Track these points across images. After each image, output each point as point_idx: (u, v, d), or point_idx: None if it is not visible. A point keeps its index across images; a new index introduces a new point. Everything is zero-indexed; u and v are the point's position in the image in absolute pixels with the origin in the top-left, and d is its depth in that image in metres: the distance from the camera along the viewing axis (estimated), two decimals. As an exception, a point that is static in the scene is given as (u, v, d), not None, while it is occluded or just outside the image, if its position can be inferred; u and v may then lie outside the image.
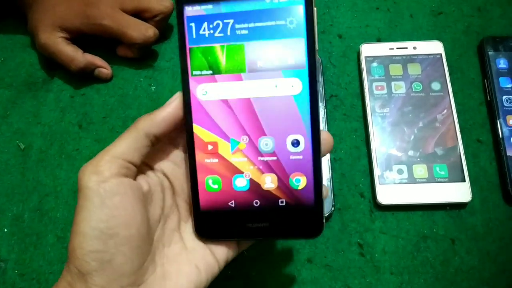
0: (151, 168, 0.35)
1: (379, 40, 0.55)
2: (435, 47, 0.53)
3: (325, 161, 0.48)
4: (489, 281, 0.44)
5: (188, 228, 0.35)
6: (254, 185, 0.33)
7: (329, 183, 0.47)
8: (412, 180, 0.47)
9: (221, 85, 0.33)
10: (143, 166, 0.34)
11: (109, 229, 0.29)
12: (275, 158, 0.33)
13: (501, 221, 0.47)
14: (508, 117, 0.49)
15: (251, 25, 0.32)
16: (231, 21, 0.32)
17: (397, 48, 0.53)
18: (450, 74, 0.51)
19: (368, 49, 0.53)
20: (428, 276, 0.45)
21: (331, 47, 0.55)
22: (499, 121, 0.49)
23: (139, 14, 0.53)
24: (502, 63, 0.52)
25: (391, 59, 0.52)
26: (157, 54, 0.55)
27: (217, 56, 0.32)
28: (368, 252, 0.46)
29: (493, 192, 0.48)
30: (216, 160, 0.34)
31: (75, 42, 0.52)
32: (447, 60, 0.52)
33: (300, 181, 0.33)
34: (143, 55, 0.54)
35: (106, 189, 0.30)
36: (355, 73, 0.53)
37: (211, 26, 0.32)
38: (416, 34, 0.55)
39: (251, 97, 0.32)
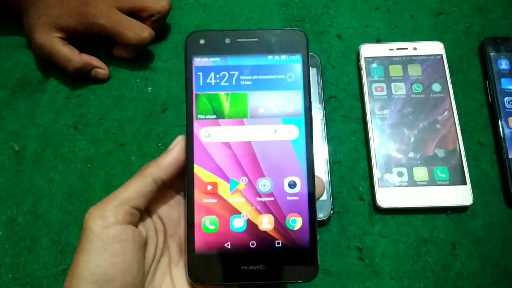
0: (147, 211, 0.35)
1: (378, 40, 0.54)
2: (435, 47, 0.52)
3: (324, 163, 0.47)
4: (491, 286, 0.43)
5: (179, 271, 0.35)
6: (251, 226, 0.34)
7: (328, 186, 0.46)
8: (412, 183, 0.46)
9: (224, 129, 0.35)
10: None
11: (106, 275, 0.30)
12: (272, 198, 0.34)
13: (502, 225, 0.46)
14: (510, 119, 0.49)
15: (255, 77, 0.35)
16: (236, 72, 0.35)
17: (397, 49, 0.52)
18: (451, 75, 0.51)
19: (367, 50, 0.52)
20: (429, 281, 0.44)
21: (330, 47, 0.54)
22: (501, 123, 0.48)
23: (135, 13, 0.52)
24: (503, 64, 0.51)
25: (391, 60, 0.51)
26: (153, 54, 0.55)
27: (222, 103, 0.35)
28: (368, 256, 0.45)
29: (495, 195, 0.47)
30: (214, 200, 0.34)
31: (72, 42, 0.52)
32: (447, 61, 0.51)
33: (296, 222, 0.34)
34: (139, 56, 0.54)
35: (109, 235, 0.30)
36: (354, 74, 0.53)
37: (217, 76, 0.35)
38: (416, 35, 0.54)
39: (252, 141, 0.35)
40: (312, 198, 0.34)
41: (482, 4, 0.56)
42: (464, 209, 0.46)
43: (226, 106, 0.35)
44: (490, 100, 0.50)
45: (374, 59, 0.52)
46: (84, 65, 0.52)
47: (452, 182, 0.46)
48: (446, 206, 0.46)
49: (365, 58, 0.52)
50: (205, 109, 0.35)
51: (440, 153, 0.47)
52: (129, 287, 0.31)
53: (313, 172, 0.34)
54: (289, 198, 0.34)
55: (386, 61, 0.51)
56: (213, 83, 0.35)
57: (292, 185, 0.34)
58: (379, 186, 0.46)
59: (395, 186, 0.46)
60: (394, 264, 0.45)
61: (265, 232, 0.34)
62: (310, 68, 0.38)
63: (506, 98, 0.49)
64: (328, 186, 0.46)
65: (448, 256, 0.45)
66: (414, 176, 0.47)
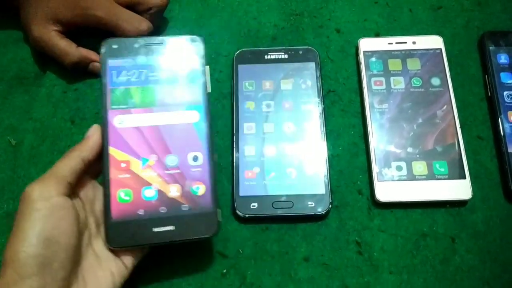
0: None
1: (377, 34, 0.54)
2: (435, 42, 0.52)
3: (323, 157, 0.47)
4: (490, 280, 0.43)
5: (99, 241, 0.40)
6: (161, 195, 0.40)
7: (326, 180, 0.46)
8: (411, 177, 0.46)
9: (135, 116, 0.42)
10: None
11: (52, 237, 0.34)
12: (179, 171, 0.41)
13: (502, 219, 0.46)
14: (509, 113, 0.48)
15: (161, 73, 0.43)
16: (145, 70, 0.43)
17: (396, 43, 0.52)
18: (450, 69, 0.50)
19: (366, 44, 0.52)
20: (428, 275, 0.44)
21: (328, 41, 0.54)
22: (500, 117, 0.48)
23: (133, 6, 0.52)
24: (503, 58, 0.51)
25: (390, 54, 0.51)
26: (151, 48, 0.54)
27: (133, 95, 0.42)
28: (366, 251, 0.45)
29: (494, 189, 0.47)
30: (128, 175, 0.40)
31: (69, 36, 0.51)
32: (447, 55, 0.51)
33: (199, 189, 0.41)
34: (137, 50, 0.53)
35: (53, 203, 0.35)
36: (353, 68, 0.52)
37: (129, 73, 0.43)
38: (416, 29, 0.54)
39: (159, 125, 0.42)
40: (212, 169, 0.41)
41: (482, -2, 0.55)
42: (463, 203, 0.46)
43: (137, 97, 0.42)
44: (490, 94, 0.50)
45: (373, 53, 0.51)
46: (82, 59, 0.51)
47: (451, 176, 0.46)
48: (445, 200, 0.45)
49: (364, 52, 0.51)
50: (118, 100, 0.42)
51: (439, 147, 0.47)
52: (70, 248, 0.35)
53: (212, 148, 0.42)
54: (193, 169, 0.41)
55: (385, 55, 0.51)
56: (125, 80, 0.42)
57: (195, 159, 0.41)
58: (378, 180, 0.46)
59: (394, 180, 0.46)
60: (393, 258, 0.44)
61: (173, 198, 0.40)
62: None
63: (505, 92, 0.49)
64: (327, 180, 0.46)
65: (447, 250, 0.44)
66: (413, 170, 0.46)
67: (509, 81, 0.50)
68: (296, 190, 0.46)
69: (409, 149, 0.47)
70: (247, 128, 0.49)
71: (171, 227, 0.40)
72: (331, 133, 0.49)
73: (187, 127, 0.42)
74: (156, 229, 0.39)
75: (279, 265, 0.44)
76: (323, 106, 0.49)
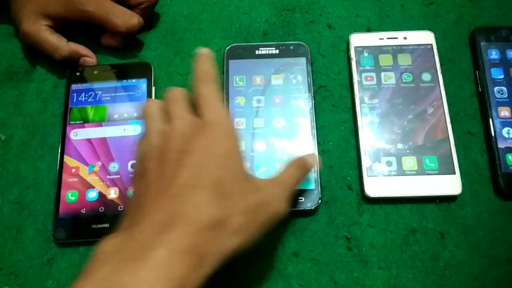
0: None
1: (369, 30, 0.54)
2: (426, 37, 0.52)
3: (313, 153, 0.47)
4: (479, 275, 0.43)
5: None
6: (102, 196, 0.46)
7: (316, 176, 0.46)
8: (401, 172, 0.46)
9: (87, 130, 0.49)
10: None
11: None
12: (119, 176, 0.47)
13: (491, 215, 0.46)
14: (499, 108, 0.48)
15: (113, 94, 0.50)
16: (100, 92, 0.50)
17: (387, 38, 0.52)
18: (441, 64, 0.50)
19: (357, 39, 0.52)
20: (417, 271, 0.44)
21: (320, 37, 0.54)
22: (491, 113, 0.48)
23: (124, 1, 0.52)
24: (494, 54, 0.51)
25: (381, 49, 0.51)
26: (142, 43, 0.54)
27: (88, 112, 0.50)
28: (356, 246, 0.45)
29: (484, 185, 0.47)
30: (76, 179, 0.47)
31: (59, 30, 0.51)
32: (438, 51, 0.51)
33: None
34: (127, 44, 0.53)
35: None
36: (344, 63, 0.52)
37: (86, 95, 0.51)
38: (407, 24, 0.54)
39: (107, 137, 0.49)
40: None
41: (473, -6, 0.55)
42: (453, 199, 0.46)
43: (91, 114, 0.50)
44: (480, 90, 0.50)
45: (364, 48, 0.51)
46: (72, 54, 0.51)
47: (441, 172, 0.46)
48: (435, 195, 0.45)
49: (355, 47, 0.51)
50: (76, 117, 0.50)
51: (430, 142, 0.47)
52: None
53: None
54: (131, 175, 0.47)
55: (376, 51, 0.51)
56: (82, 100, 0.50)
57: (133, 166, 0.47)
58: (367, 176, 0.46)
59: (384, 175, 0.46)
60: (382, 253, 0.44)
61: (111, 200, 0.46)
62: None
63: (496, 88, 0.49)
64: (316, 175, 0.46)
65: (436, 245, 0.44)
66: (403, 165, 0.46)
67: (499, 77, 0.49)
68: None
69: (399, 145, 0.47)
70: (237, 123, 0.49)
71: (106, 225, 0.45)
72: (322, 128, 0.49)
73: (129, 139, 0.49)
74: (94, 226, 0.45)
75: (268, 260, 0.44)
76: (313, 101, 0.49)
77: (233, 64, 0.51)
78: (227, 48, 0.52)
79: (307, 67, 0.51)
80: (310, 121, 0.48)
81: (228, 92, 0.50)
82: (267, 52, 0.52)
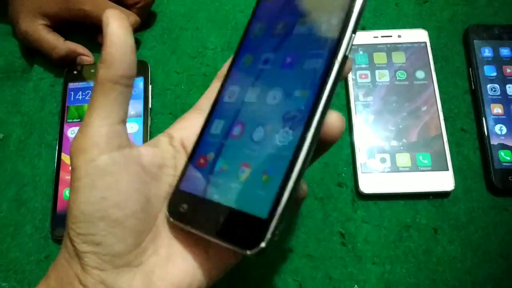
0: (167, 134, 0.32)
1: (363, 28, 0.54)
2: (420, 35, 0.52)
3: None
4: (471, 270, 0.44)
5: None
6: None
7: (310, 172, 0.46)
8: (395, 169, 0.47)
9: None
10: (162, 134, 0.32)
11: (98, 211, 0.27)
12: None
13: (484, 211, 0.46)
14: (492, 105, 0.49)
15: None
16: None
17: (381, 36, 0.52)
18: (434, 62, 0.51)
19: (352, 37, 0.52)
20: (410, 266, 0.44)
21: (315, 35, 0.54)
22: (484, 110, 0.49)
23: (121, 0, 0.52)
24: (487, 52, 0.51)
25: (375, 47, 0.52)
26: (139, 42, 0.55)
27: (85, 110, 0.47)
28: (350, 242, 0.45)
29: (477, 181, 0.47)
30: None
31: (57, 30, 0.52)
32: (432, 49, 0.51)
33: None
34: (124, 43, 0.54)
35: (95, 168, 0.27)
36: (339, 61, 0.53)
37: (84, 93, 0.51)
38: (401, 22, 0.54)
39: None
40: None
41: (467, -8, 0.56)
42: (446, 195, 0.46)
43: None
44: (473, 87, 0.50)
45: (359, 46, 0.52)
46: (69, 53, 0.52)
47: (434, 168, 0.46)
48: (428, 191, 0.46)
49: (350, 45, 0.52)
50: (73, 115, 0.50)
51: (423, 139, 0.47)
52: (127, 220, 0.27)
53: None
54: None
55: (370, 49, 0.52)
56: (80, 98, 0.51)
57: None
58: (362, 172, 0.47)
59: (378, 172, 0.47)
60: (376, 249, 0.45)
61: None
62: None
63: (489, 85, 0.50)
64: (311, 172, 0.46)
65: (429, 241, 0.45)
66: (397, 162, 0.47)
67: (492, 74, 0.50)
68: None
69: (393, 142, 0.48)
70: (229, 93, 0.33)
71: None
72: (317, 126, 0.50)
73: None
74: None
75: (263, 256, 0.45)
76: None
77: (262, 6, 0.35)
78: None
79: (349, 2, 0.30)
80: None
81: (241, 45, 0.35)
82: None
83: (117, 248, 0.27)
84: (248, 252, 0.26)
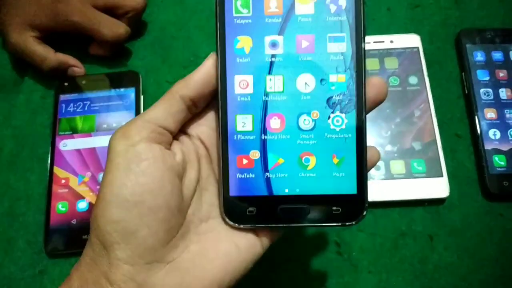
0: (186, 133, 0.32)
1: (355, 34, 0.54)
2: (412, 40, 0.52)
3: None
4: (467, 277, 0.44)
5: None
6: (92, 207, 0.45)
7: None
8: (389, 176, 0.46)
9: (77, 140, 0.49)
10: (178, 132, 0.32)
11: (133, 195, 0.27)
12: None
13: (479, 216, 0.46)
14: (485, 110, 0.49)
15: (101, 104, 0.51)
16: (88, 102, 0.51)
17: (374, 42, 0.52)
18: (427, 67, 0.51)
19: (344, 44, 0.52)
20: (407, 274, 0.44)
21: (307, 42, 0.54)
22: (477, 115, 0.49)
23: (111, 10, 0.52)
24: (479, 56, 0.51)
25: (368, 53, 0.51)
26: (130, 52, 0.54)
27: (76, 123, 0.50)
28: (346, 251, 0.45)
29: (472, 187, 0.47)
30: (66, 190, 0.47)
31: (47, 41, 0.51)
32: (424, 54, 0.51)
33: None
34: (115, 53, 0.53)
35: (133, 152, 0.28)
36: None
37: (75, 105, 0.51)
38: (394, 27, 0.54)
39: (96, 147, 0.49)
40: None
41: (459, -4, 0.56)
42: (441, 201, 0.46)
43: (80, 124, 0.50)
44: (467, 92, 0.50)
45: (351, 53, 0.51)
46: (60, 64, 0.51)
47: (429, 175, 0.46)
48: (423, 198, 0.46)
49: (342, 52, 0.52)
50: (65, 128, 0.50)
51: (417, 145, 0.47)
52: (160, 210, 0.28)
53: None
54: None
55: (363, 55, 0.51)
56: (71, 110, 0.50)
57: None
58: (356, 180, 0.46)
59: (373, 179, 0.46)
60: (372, 257, 0.45)
61: None
62: None
63: (482, 90, 0.49)
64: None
65: (425, 248, 0.45)
66: (391, 169, 0.47)
67: (485, 79, 0.50)
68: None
69: (388, 148, 0.47)
70: (240, 83, 0.31)
71: None
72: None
73: None
74: (85, 237, 0.45)
75: (260, 266, 0.44)
76: (363, 44, 0.31)
77: None
78: None
79: None
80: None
81: (224, 28, 0.31)
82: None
83: (150, 240, 0.27)
84: (354, 223, 0.31)
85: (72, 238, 0.46)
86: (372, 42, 0.52)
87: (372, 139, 0.48)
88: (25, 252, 0.46)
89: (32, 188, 0.49)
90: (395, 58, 0.51)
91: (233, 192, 0.31)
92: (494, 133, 0.48)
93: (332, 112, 0.31)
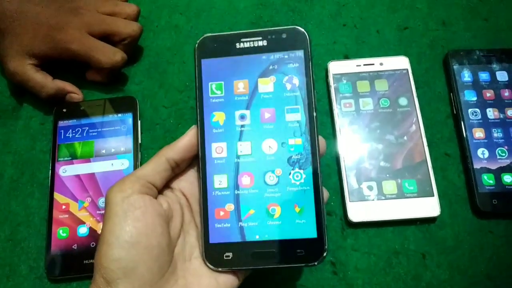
0: (169, 188, 0.39)
1: (346, 56, 0.55)
2: (401, 62, 0.53)
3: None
4: (460, 294, 0.45)
5: None
6: (92, 231, 0.48)
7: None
8: (382, 196, 0.48)
9: (76, 166, 0.50)
10: (164, 186, 0.38)
11: (131, 237, 0.33)
12: None
13: (470, 234, 0.47)
14: (474, 130, 0.50)
15: (99, 129, 0.52)
16: (87, 128, 0.52)
17: (364, 65, 0.53)
18: (416, 88, 0.52)
19: (335, 67, 0.53)
20: (401, 292, 0.45)
21: (299, 65, 0.55)
22: (466, 134, 0.50)
23: (107, 37, 0.53)
24: (466, 76, 0.53)
25: (358, 76, 0.53)
26: (126, 77, 0.55)
27: (75, 148, 0.51)
28: (341, 270, 0.46)
29: (462, 205, 0.48)
30: (66, 216, 0.48)
31: (44, 68, 0.52)
32: (413, 75, 0.53)
33: None
34: (112, 79, 0.55)
35: (128, 203, 0.34)
36: (324, 90, 0.54)
37: (73, 131, 0.52)
38: (383, 50, 0.56)
39: (95, 172, 0.50)
40: None
41: (446, 18, 0.57)
42: (432, 220, 0.48)
43: (78, 150, 0.51)
44: (455, 112, 0.52)
45: (342, 75, 0.53)
46: (58, 91, 0.52)
47: (420, 194, 0.47)
48: (415, 218, 0.47)
49: (333, 75, 0.53)
50: (64, 154, 0.51)
51: (408, 166, 0.49)
52: (154, 249, 0.34)
53: None
54: None
55: (354, 77, 0.53)
56: (70, 136, 0.51)
57: None
58: (350, 201, 0.48)
59: (366, 200, 0.48)
60: (367, 276, 0.46)
61: None
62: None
63: (470, 110, 0.51)
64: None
65: (418, 266, 0.46)
66: (384, 189, 0.48)
67: (473, 99, 0.51)
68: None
69: (379, 169, 0.49)
70: (216, 149, 0.38)
71: None
72: (304, 155, 0.51)
73: (118, 173, 0.50)
74: (86, 261, 0.46)
75: (257, 286, 0.46)
76: (315, 114, 0.38)
77: (206, 64, 0.40)
78: (198, 41, 0.41)
79: (305, 63, 0.39)
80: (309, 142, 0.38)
81: (203, 106, 0.39)
82: (252, 45, 0.39)
83: (146, 275, 0.33)
84: (316, 263, 0.36)
85: (73, 263, 0.47)
86: (362, 64, 0.53)
87: (364, 160, 0.49)
88: (27, 278, 0.47)
89: (33, 213, 0.50)
90: (385, 80, 0.52)
91: (212, 239, 0.37)
92: (482, 152, 0.49)
93: (293, 169, 0.37)
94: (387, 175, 0.48)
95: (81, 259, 0.47)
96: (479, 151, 0.49)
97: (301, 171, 0.37)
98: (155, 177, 0.36)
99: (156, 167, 0.37)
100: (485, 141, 0.50)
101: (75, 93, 0.53)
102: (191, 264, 0.37)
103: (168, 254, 0.35)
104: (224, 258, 0.36)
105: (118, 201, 0.34)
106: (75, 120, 0.52)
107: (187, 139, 0.38)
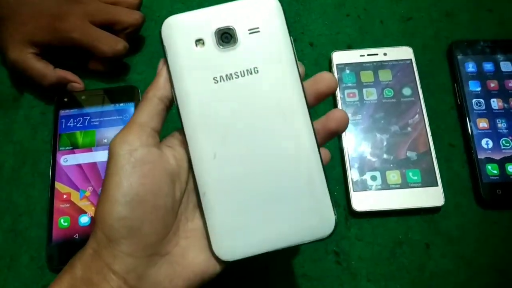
0: (179, 142, 0.35)
1: (350, 47, 0.55)
2: (405, 52, 0.53)
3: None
4: (464, 284, 0.45)
5: None
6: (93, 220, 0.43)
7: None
8: (385, 186, 0.47)
9: (77, 155, 0.50)
10: (172, 139, 0.35)
11: (138, 195, 0.30)
12: None
13: (474, 224, 0.47)
14: (478, 120, 0.50)
15: (101, 119, 0.51)
16: (88, 117, 0.51)
17: (367, 55, 0.53)
18: (420, 79, 0.52)
19: (339, 57, 0.53)
20: (404, 282, 0.45)
21: (302, 55, 0.55)
22: (470, 124, 0.50)
23: (109, 26, 0.52)
24: (471, 67, 0.52)
25: (362, 66, 0.53)
26: (128, 67, 0.55)
27: (77, 138, 0.51)
28: (345, 260, 0.46)
29: (466, 195, 0.48)
30: (68, 205, 0.48)
31: (46, 57, 0.52)
32: (417, 65, 0.52)
33: None
34: (114, 68, 0.54)
35: (136, 157, 0.31)
36: (327, 80, 0.53)
37: (75, 120, 0.51)
38: (387, 40, 0.55)
39: (97, 161, 0.49)
40: None
41: (450, 9, 0.57)
42: (436, 210, 0.47)
43: (80, 139, 0.50)
44: (459, 102, 0.51)
45: (346, 65, 0.53)
46: (59, 80, 0.52)
47: (424, 184, 0.47)
48: (419, 207, 0.47)
49: (337, 65, 0.53)
50: (65, 143, 0.50)
51: (412, 156, 0.48)
52: (160, 209, 0.32)
53: None
54: None
55: (357, 67, 0.52)
56: (71, 126, 0.51)
57: None
58: (353, 191, 0.47)
59: (370, 189, 0.47)
60: (371, 266, 0.46)
61: None
62: None
63: (474, 100, 0.51)
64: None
65: (422, 256, 0.46)
66: (387, 179, 0.48)
67: (477, 89, 0.51)
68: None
69: (383, 159, 0.49)
70: None
71: None
72: (308, 145, 0.50)
73: None
74: None
75: (260, 278, 0.45)
76: None
77: None
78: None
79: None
80: None
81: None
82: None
83: (151, 236, 0.31)
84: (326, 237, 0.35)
85: (75, 253, 0.45)
86: (366, 55, 0.53)
87: (368, 150, 0.49)
88: (28, 268, 0.47)
89: (34, 203, 0.49)
90: (388, 70, 0.52)
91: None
92: (486, 142, 0.49)
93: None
94: (391, 165, 0.48)
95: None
96: (483, 141, 0.49)
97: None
98: (155, 121, 0.33)
99: (152, 109, 0.33)
100: (489, 131, 0.50)
101: (77, 82, 0.53)
102: (193, 225, 0.34)
103: (172, 214, 0.33)
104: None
105: (124, 154, 0.31)
106: (76, 110, 0.52)
107: (165, 75, 0.35)
